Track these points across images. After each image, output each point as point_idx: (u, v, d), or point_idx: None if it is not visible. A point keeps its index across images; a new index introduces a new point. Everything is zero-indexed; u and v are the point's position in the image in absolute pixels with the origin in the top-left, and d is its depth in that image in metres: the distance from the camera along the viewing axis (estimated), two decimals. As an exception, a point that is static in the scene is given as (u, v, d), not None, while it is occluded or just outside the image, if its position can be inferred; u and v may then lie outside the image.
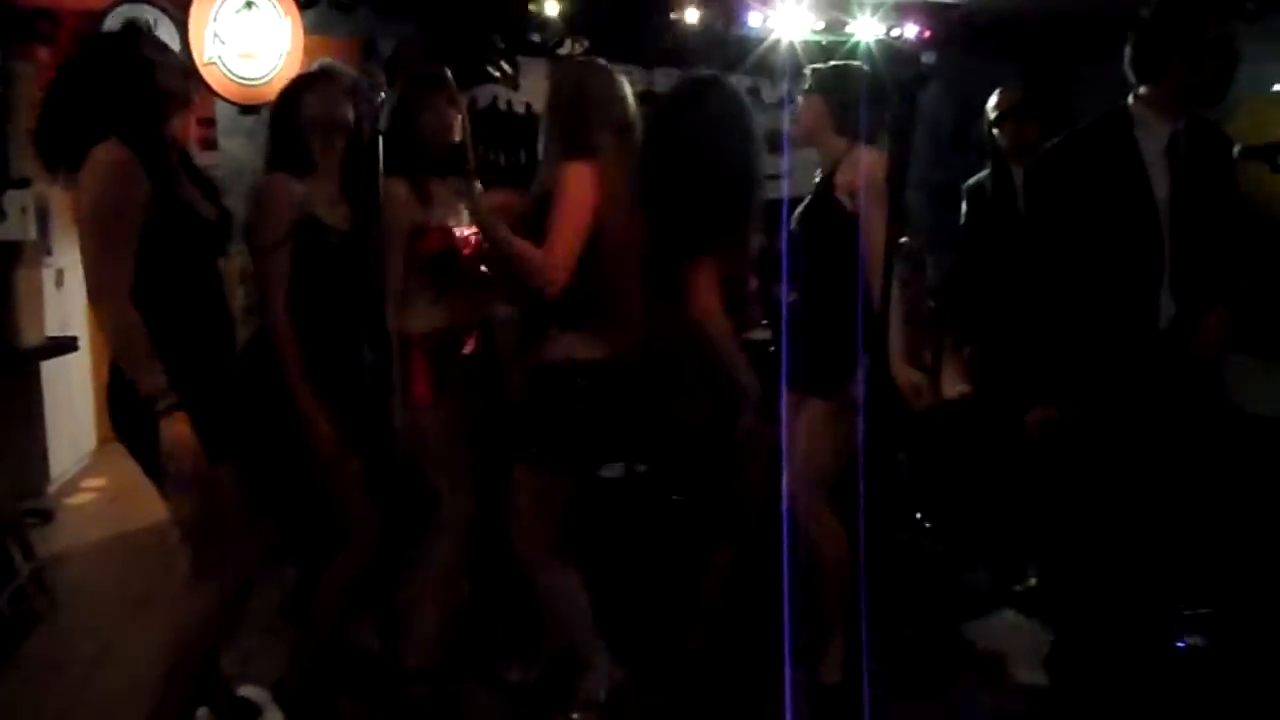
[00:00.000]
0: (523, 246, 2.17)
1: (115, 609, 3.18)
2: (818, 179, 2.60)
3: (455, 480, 2.45)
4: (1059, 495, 2.51)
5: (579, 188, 2.18)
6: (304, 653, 2.54)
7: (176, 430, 1.92)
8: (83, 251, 1.93)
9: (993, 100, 3.07)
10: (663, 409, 2.47)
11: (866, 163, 2.38)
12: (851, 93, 2.47)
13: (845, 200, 2.43)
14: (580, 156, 2.21)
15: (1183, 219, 2.26)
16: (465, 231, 2.44)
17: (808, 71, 2.59)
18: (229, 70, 3.56)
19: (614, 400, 2.32)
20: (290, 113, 2.29)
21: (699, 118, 2.36)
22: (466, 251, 2.42)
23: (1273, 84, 4.04)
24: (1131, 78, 2.34)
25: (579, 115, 2.24)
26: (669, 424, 2.50)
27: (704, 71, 2.47)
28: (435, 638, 2.55)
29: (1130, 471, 2.31)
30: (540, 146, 2.35)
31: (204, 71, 3.33)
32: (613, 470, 3.27)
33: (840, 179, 2.47)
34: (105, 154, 1.89)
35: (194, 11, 3.29)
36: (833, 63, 2.62)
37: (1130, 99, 2.35)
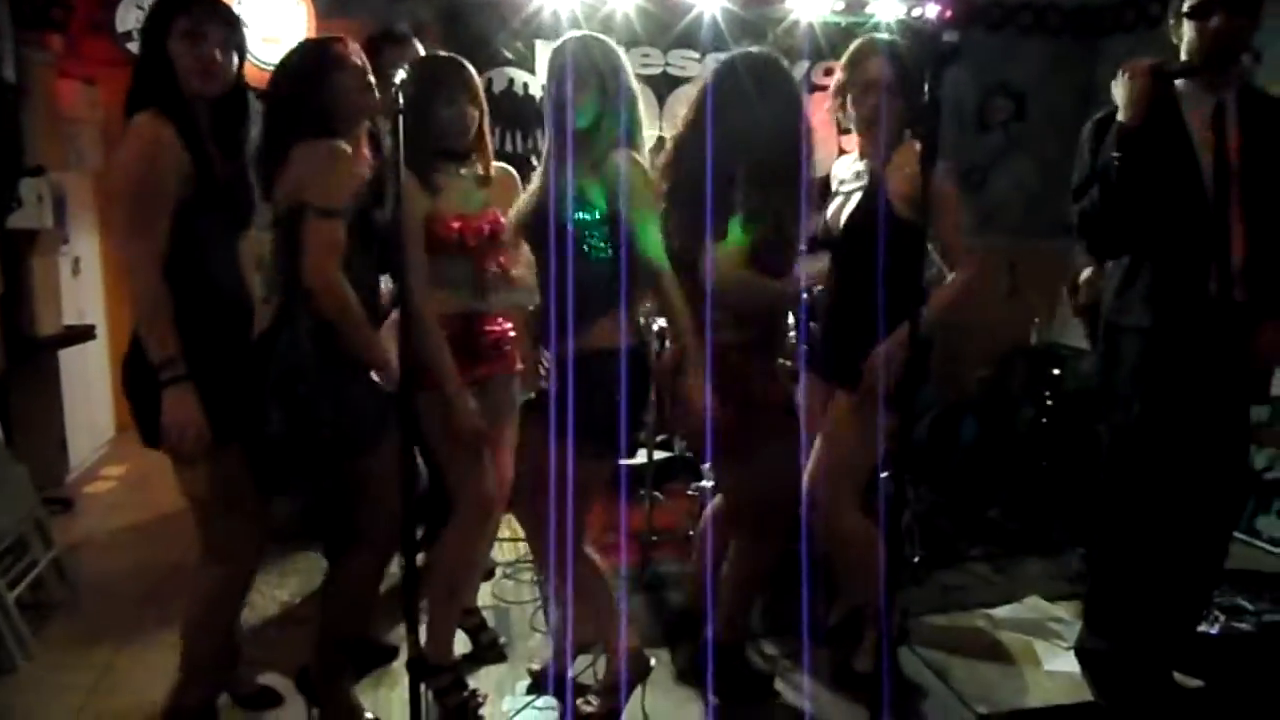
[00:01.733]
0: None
1: (135, 596, 3.19)
2: (858, 178, 2.49)
3: (473, 471, 2.40)
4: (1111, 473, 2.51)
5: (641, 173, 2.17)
6: (327, 642, 2.52)
7: (180, 401, 1.92)
8: (116, 219, 1.94)
9: None
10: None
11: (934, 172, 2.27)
12: (917, 84, 2.27)
13: (901, 208, 2.30)
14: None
15: (1228, 189, 2.25)
16: (479, 219, 2.39)
17: (877, 59, 2.38)
18: (253, 54, 3.52)
19: (645, 386, 2.28)
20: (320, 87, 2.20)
21: (744, 95, 2.26)
22: (476, 240, 2.36)
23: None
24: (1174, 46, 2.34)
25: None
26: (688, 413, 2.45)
27: (751, 49, 2.34)
28: (453, 628, 2.54)
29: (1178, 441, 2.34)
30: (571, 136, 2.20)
31: None
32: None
33: (894, 186, 2.33)
34: (146, 125, 1.89)
35: None
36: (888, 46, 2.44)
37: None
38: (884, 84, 2.34)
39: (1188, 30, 2.30)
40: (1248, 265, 2.28)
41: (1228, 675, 2.48)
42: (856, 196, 2.46)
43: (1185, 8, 2.29)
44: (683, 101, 4.52)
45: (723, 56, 2.35)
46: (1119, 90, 2.30)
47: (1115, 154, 2.27)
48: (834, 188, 2.59)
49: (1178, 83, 2.33)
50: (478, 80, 2.40)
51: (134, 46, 4.19)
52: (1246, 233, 2.28)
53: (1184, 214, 2.29)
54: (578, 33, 2.21)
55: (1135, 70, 2.25)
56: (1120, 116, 2.28)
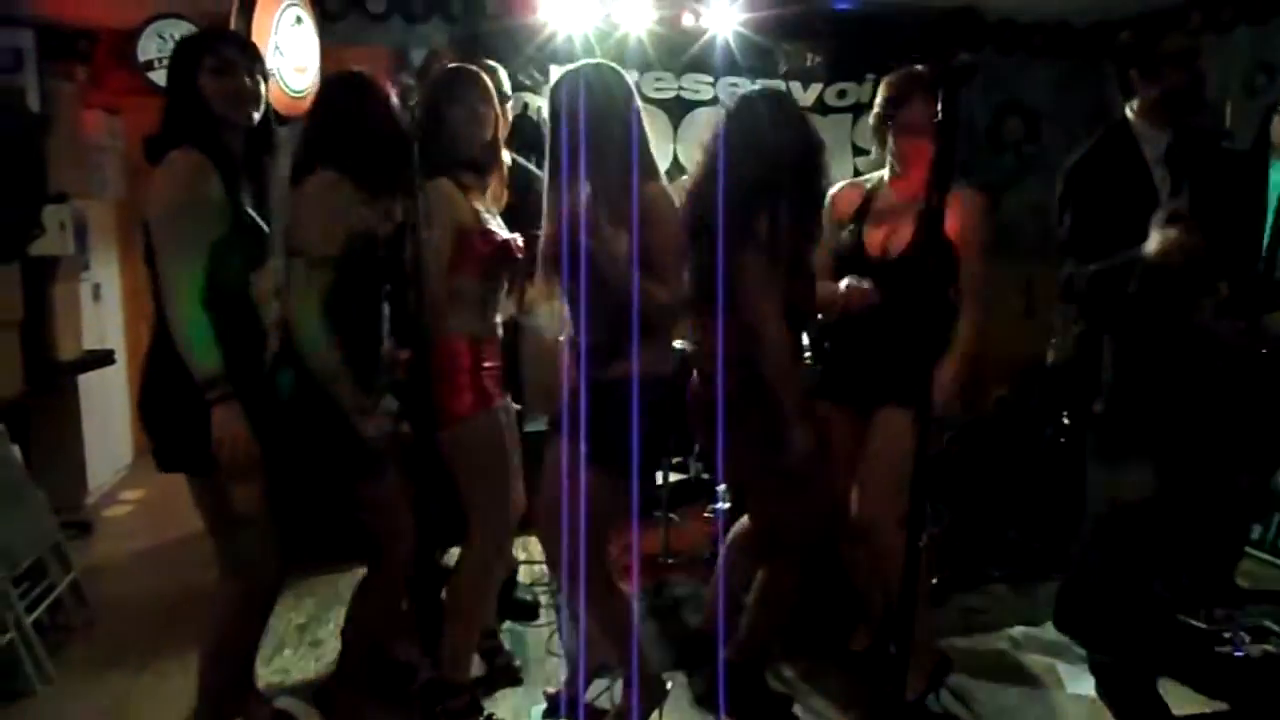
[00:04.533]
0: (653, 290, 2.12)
1: (153, 620, 3.19)
2: (893, 208, 2.53)
3: (497, 499, 2.40)
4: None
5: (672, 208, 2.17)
6: (346, 663, 2.53)
7: (230, 417, 1.95)
8: (161, 248, 1.96)
9: None
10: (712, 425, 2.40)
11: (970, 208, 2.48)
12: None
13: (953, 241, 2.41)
14: (653, 175, 2.18)
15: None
16: (504, 234, 2.40)
17: (922, 99, 2.45)
18: (285, 83, 3.56)
19: (676, 411, 2.29)
20: (348, 113, 2.25)
21: (760, 130, 2.28)
22: (513, 255, 2.38)
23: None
24: (1121, 97, 2.60)
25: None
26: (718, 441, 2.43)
27: (762, 87, 2.41)
28: (470, 651, 2.53)
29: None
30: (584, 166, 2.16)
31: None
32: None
33: (950, 224, 2.33)
34: (186, 158, 1.95)
35: (257, 22, 3.29)
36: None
37: (1127, 111, 2.56)
38: (929, 123, 2.37)
39: (1150, 79, 2.49)
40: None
41: (1253, 697, 2.44)
42: (902, 227, 2.49)
43: (1150, 60, 2.49)
44: (697, 126, 4.61)
45: (736, 96, 2.39)
46: (1158, 234, 2.34)
47: (1128, 272, 2.41)
48: (838, 212, 2.62)
49: (1132, 121, 2.55)
50: (490, 84, 2.39)
51: (155, 76, 4.27)
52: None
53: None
54: (584, 61, 2.21)
55: (1187, 237, 2.30)
56: (1150, 250, 2.34)
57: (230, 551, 2.16)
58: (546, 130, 2.21)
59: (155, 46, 4.30)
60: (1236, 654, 2.51)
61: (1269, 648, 2.50)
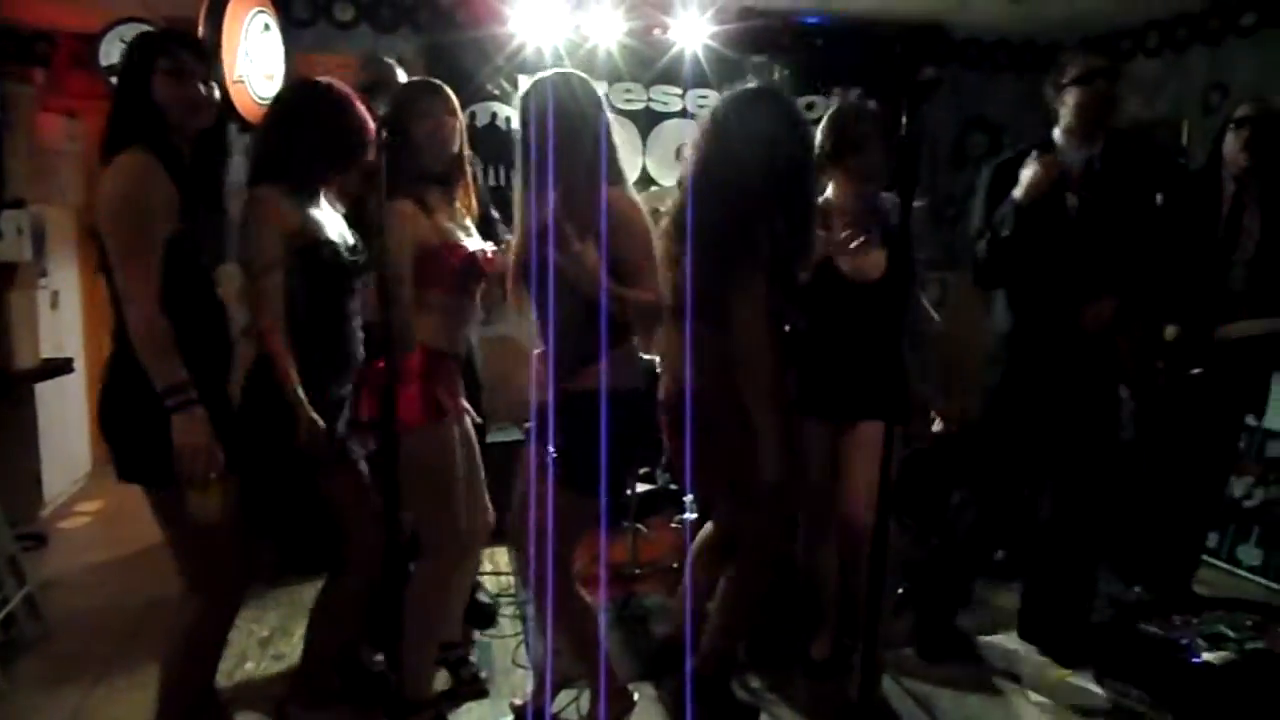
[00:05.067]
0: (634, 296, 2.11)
1: (110, 634, 3.13)
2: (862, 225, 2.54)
3: (444, 509, 2.38)
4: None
5: (641, 215, 2.16)
6: (306, 675, 2.49)
7: (192, 425, 1.91)
8: (112, 252, 1.93)
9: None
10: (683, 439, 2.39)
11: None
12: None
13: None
14: (619, 182, 2.17)
15: (1092, 227, 2.69)
16: (473, 246, 2.39)
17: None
18: (253, 90, 3.53)
19: (646, 425, 2.29)
20: (304, 123, 2.24)
21: (745, 133, 2.25)
22: (483, 267, 2.38)
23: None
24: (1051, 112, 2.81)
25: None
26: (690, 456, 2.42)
27: (752, 85, 2.34)
28: (427, 665, 2.51)
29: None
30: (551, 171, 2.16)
31: (233, 89, 3.29)
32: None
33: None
34: (134, 160, 1.91)
35: (227, 28, 3.25)
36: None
37: (1056, 131, 2.78)
38: (881, 169, 2.60)
39: (1068, 97, 2.69)
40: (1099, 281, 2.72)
41: (1212, 703, 2.48)
42: (872, 250, 2.52)
43: (1066, 80, 2.69)
44: (666, 138, 4.64)
45: (726, 94, 2.33)
46: (1026, 172, 2.63)
47: (1007, 220, 2.67)
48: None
49: (1056, 138, 2.75)
50: (454, 98, 2.39)
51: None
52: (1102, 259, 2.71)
53: (1058, 248, 2.70)
54: (553, 70, 2.20)
55: (1046, 166, 2.60)
56: (1018, 194, 2.64)
57: (192, 565, 2.12)
58: (517, 140, 2.20)
59: (117, 51, 4.24)
60: (1193, 661, 2.55)
61: (1226, 654, 2.54)
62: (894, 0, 4.44)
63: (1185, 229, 2.92)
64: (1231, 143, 2.88)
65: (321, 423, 2.18)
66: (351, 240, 2.30)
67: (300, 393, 2.15)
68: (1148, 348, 3.00)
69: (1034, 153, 2.67)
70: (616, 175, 2.17)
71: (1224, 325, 2.91)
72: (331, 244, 2.23)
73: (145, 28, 4.15)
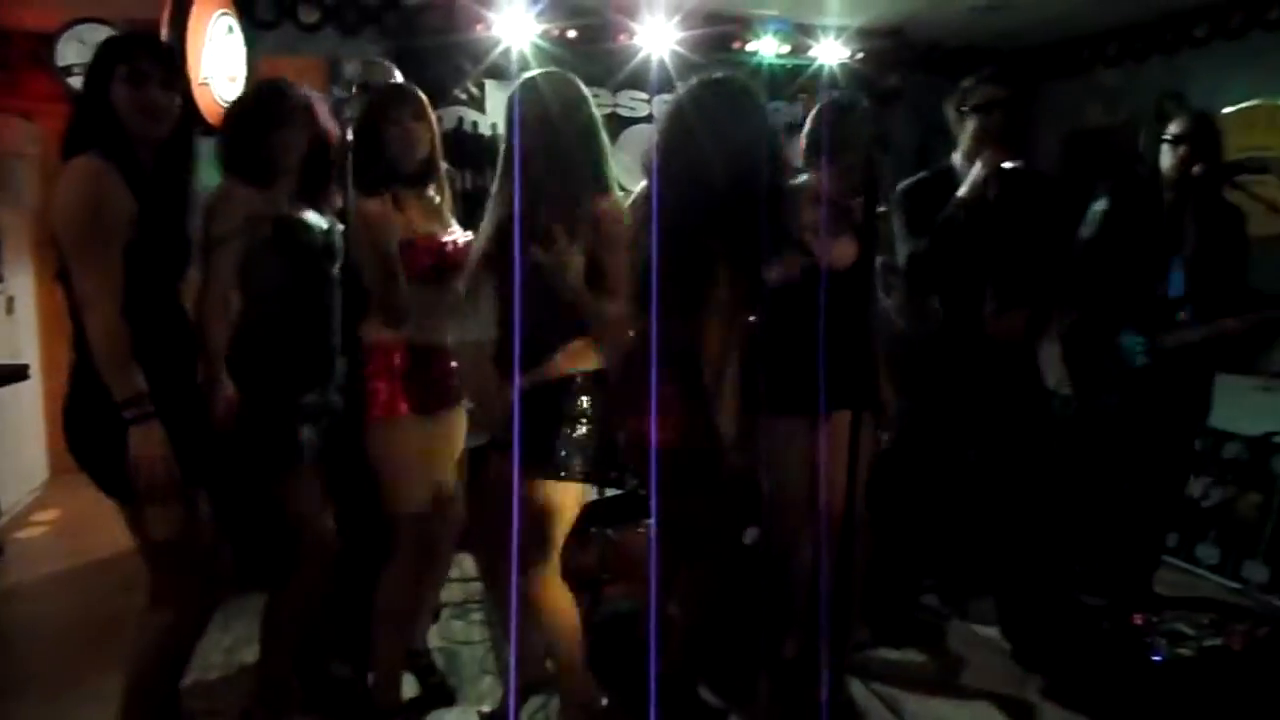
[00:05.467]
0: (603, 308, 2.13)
1: (67, 644, 3.07)
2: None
3: (411, 509, 2.37)
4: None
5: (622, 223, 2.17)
6: (266, 684, 2.46)
7: (148, 438, 1.88)
8: (69, 259, 1.89)
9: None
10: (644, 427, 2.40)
11: None
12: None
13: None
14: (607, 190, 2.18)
15: (995, 244, 2.85)
16: (447, 238, 2.40)
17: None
18: (217, 92, 3.50)
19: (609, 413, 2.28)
20: (262, 125, 2.23)
21: (697, 121, 2.24)
22: (456, 258, 2.38)
23: (1222, 107, 4.15)
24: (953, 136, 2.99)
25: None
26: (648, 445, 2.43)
27: (715, 75, 2.32)
28: (399, 674, 2.49)
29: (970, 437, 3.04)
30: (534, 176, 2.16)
31: (197, 92, 3.25)
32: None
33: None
34: (88, 165, 1.88)
35: (192, 30, 3.21)
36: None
37: (955, 154, 2.97)
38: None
39: (968, 123, 2.89)
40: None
41: (1172, 700, 2.52)
42: (843, 240, 2.53)
43: (969, 106, 2.87)
44: (633, 143, 4.64)
45: (689, 83, 2.32)
46: (976, 171, 2.76)
47: (951, 215, 2.79)
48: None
49: (955, 162, 2.93)
50: (425, 103, 2.39)
51: (75, 81, 4.14)
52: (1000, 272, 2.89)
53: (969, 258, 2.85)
54: (542, 70, 2.20)
55: (992, 164, 2.75)
56: (963, 192, 2.79)
57: (160, 577, 2.08)
58: (503, 137, 2.20)
59: (75, 51, 4.18)
60: (1155, 659, 2.59)
61: (1185, 651, 2.59)
62: (857, 6, 4.49)
63: (1129, 237, 2.99)
64: (1167, 156, 2.97)
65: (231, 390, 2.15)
66: (326, 225, 2.30)
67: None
68: (1092, 352, 3.04)
69: (977, 165, 2.79)
70: (605, 182, 2.18)
71: (1162, 334, 2.96)
72: (306, 223, 2.23)
73: (104, 28, 4.12)
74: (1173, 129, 2.96)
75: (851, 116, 2.60)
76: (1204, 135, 2.90)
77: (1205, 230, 2.96)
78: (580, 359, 2.19)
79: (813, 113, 2.71)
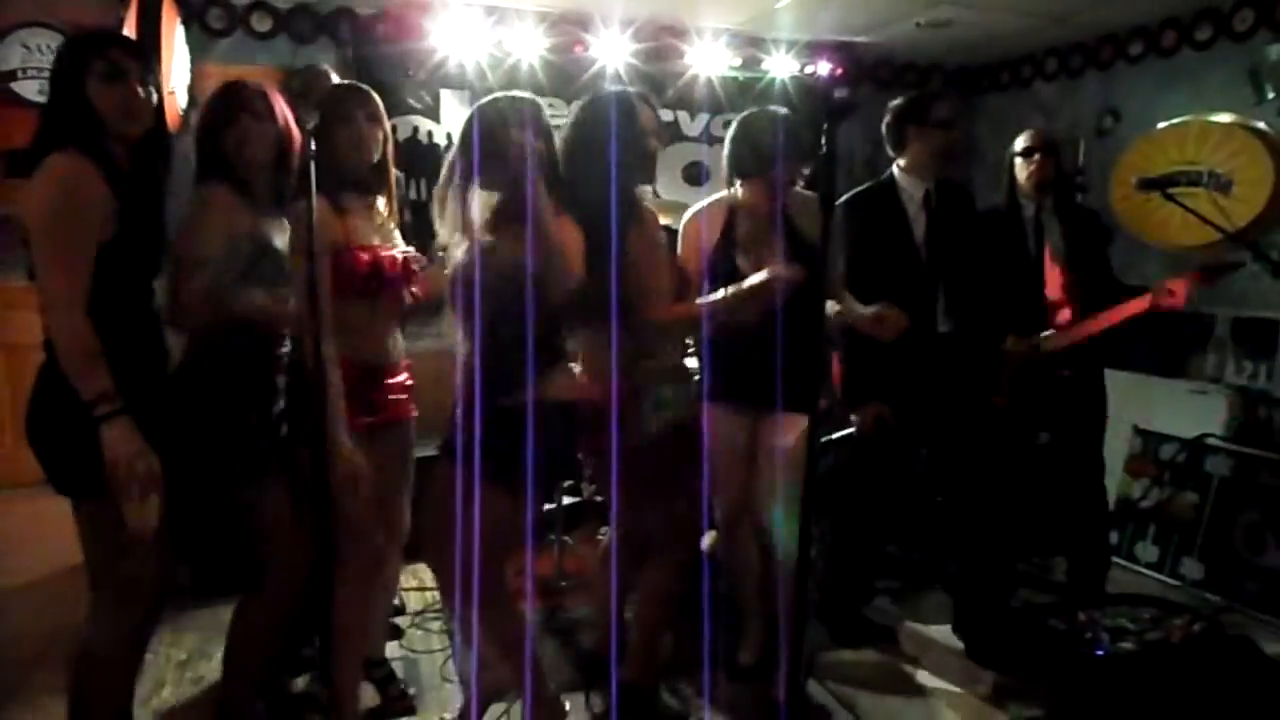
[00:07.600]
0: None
1: (9, 664, 2.97)
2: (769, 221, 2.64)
3: (357, 520, 2.32)
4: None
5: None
6: (228, 701, 2.43)
7: (122, 435, 1.85)
8: (38, 257, 1.86)
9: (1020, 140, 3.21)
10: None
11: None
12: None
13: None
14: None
15: (938, 255, 3.02)
16: (390, 251, 2.37)
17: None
18: (179, 100, 3.46)
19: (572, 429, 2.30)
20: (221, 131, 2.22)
21: (574, 138, 2.41)
22: (393, 272, 2.35)
23: (1156, 122, 4.31)
24: (889, 150, 3.12)
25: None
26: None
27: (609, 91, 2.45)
28: (356, 685, 2.47)
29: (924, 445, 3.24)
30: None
31: (167, 100, 3.22)
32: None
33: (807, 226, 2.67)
34: (66, 163, 1.85)
35: (164, 37, 3.17)
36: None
37: (894, 167, 3.11)
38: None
39: (911, 140, 3.02)
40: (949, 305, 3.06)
41: (1115, 693, 2.61)
42: (777, 240, 2.60)
43: (930, 121, 2.99)
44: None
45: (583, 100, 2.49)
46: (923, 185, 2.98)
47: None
48: (709, 233, 2.70)
49: (896, 175, 3.10)
50: (379, 104, 2.37)
51: (18, 87, 4.06)
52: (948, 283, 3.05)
53: (906, 274, 3.00)
54: (508, 92, 2.21)
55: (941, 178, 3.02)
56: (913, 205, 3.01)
57: (109, 579, 2.04)
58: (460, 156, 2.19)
59: (18, 56, 4.09)
60: (1098, 653, 2.68)
61: (1128, 645, 2.68)
62: (806, 22, 4.58)
63: (1001, 251, 3.17)
64: (1020, 169, 3.14)
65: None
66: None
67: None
68: (986, 363, 3.17)
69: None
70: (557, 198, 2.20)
71: (1042, 337, 3.13)
72: (281, 253, 2.21)
73: (49, 31, 4.04)
74: (1020, 143, 3.15)
75: (771, 130, 2.61)
76: (1049, 147, 3.11)
77: (1068, 233, 3.15)
78: (553, 385, 2.17)
79: (731, 128, 2.72)
